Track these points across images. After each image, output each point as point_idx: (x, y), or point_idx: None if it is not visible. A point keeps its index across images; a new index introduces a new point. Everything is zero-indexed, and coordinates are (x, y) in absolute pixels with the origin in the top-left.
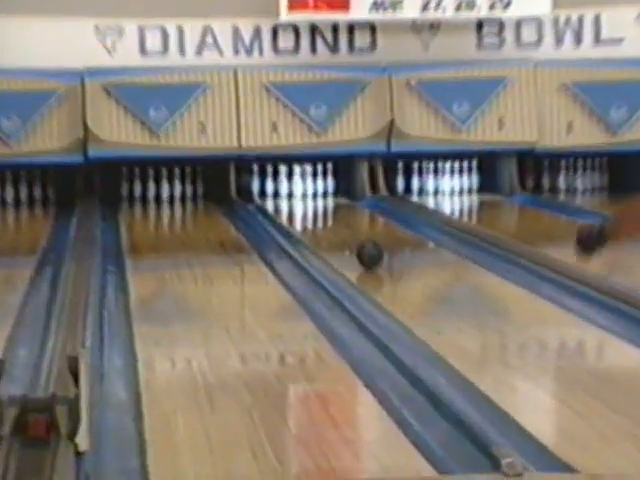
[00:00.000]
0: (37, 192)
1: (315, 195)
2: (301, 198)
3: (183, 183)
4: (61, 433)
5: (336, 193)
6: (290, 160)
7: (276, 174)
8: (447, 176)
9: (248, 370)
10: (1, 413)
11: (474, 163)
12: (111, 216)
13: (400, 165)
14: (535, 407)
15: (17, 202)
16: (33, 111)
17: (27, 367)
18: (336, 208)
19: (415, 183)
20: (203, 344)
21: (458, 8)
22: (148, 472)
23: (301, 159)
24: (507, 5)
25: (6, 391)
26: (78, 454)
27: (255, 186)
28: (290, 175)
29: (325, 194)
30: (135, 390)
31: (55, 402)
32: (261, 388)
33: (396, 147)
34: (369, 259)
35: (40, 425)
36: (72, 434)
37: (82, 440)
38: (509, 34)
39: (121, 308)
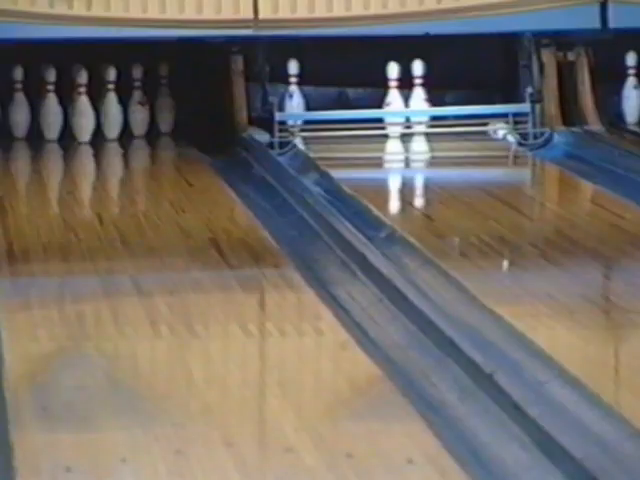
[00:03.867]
0: None
1: (431, 130)
2: (399, 136)
3: (126, 99)
4: None
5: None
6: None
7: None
8: None
9: None
10: None
11: None
12: None
13: (630, 58)
14: None
15: None
16: None
17: None
18: (481, 162)
19: None
20: None
21: None
22: None
23: (396, 48)
24: None
25: None
26: None
27: (292, 108)
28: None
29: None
30: None
31: None
32: None
33: (620, 19)
34: None
35: None
36: None
37: None
38: None
39: None
